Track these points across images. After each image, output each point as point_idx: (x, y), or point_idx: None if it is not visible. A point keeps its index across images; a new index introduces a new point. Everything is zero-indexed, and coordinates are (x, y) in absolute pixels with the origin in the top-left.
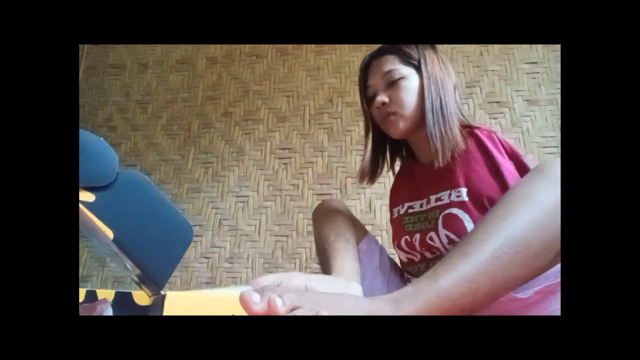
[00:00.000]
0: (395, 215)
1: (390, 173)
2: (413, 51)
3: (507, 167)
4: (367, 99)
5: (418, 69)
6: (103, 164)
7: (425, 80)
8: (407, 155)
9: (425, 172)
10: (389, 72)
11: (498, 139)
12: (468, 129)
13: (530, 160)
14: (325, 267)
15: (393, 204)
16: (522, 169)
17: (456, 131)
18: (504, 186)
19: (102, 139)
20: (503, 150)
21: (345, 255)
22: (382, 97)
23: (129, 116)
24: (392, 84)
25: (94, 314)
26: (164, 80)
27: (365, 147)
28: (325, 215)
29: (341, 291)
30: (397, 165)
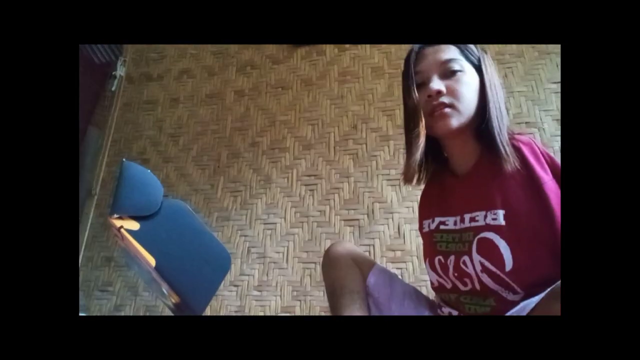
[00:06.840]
0: (426, 229)
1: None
2: (474, 48)
3: (550, 187)
4: (417, 85)
5: (478, 68)
6: (149, 195)
7: (487, 82)
8: (436, 162)
9: (459, 184)
10: (449, 61)
11: (538, 149)
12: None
13: None
14: None
15: (423, 215)
16: None
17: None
18: (545, 210)
19: (149, 171)
20: (544, 162)
21: (351, 310)
22: (438, 85)
23: (162, 149)
24: (451, 74)
25: None
26: (195, 113)
27: (413, 143)
28: (328, 268)
29: None
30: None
